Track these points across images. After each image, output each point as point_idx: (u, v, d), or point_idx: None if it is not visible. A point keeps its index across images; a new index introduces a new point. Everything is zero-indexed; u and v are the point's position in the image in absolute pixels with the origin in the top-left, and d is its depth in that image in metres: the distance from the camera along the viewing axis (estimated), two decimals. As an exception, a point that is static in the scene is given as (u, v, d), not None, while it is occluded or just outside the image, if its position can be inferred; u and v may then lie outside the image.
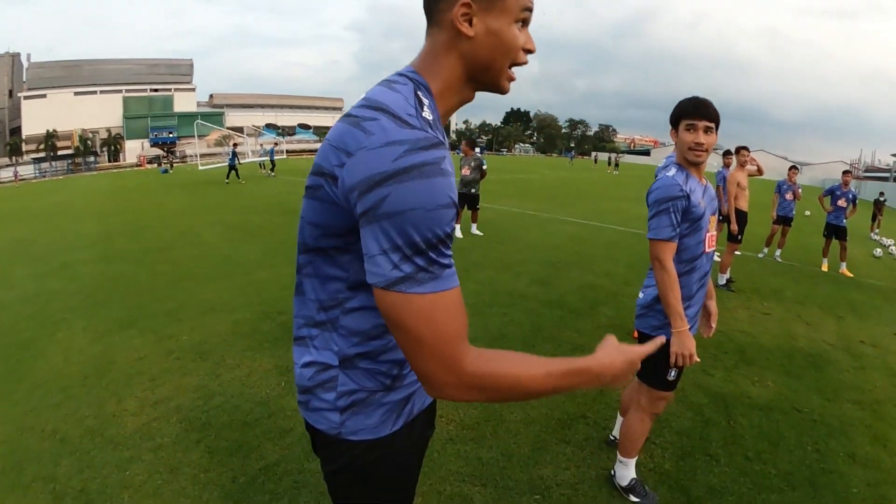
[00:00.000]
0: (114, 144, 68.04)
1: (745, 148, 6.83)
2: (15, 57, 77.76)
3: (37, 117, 65.88)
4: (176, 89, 76.49)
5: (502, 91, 1.02)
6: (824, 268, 8.54)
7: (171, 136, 69.63)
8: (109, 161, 66.03)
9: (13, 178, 42.15)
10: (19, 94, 70.55)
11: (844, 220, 8.46)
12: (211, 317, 4.93)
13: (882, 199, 15.29)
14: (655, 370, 2.26)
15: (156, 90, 75.12)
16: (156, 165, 50.15)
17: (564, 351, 4.27)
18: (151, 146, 67.58)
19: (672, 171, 2.16)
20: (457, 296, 0.85)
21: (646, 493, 2.51)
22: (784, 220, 8.72)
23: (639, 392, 2.43)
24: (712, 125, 2.09)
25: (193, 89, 78.67)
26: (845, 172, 8.94)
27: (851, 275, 8.21)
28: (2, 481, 2.60)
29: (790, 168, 8.92)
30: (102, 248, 8.72)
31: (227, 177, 22.07)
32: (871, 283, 7.84)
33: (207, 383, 3.60)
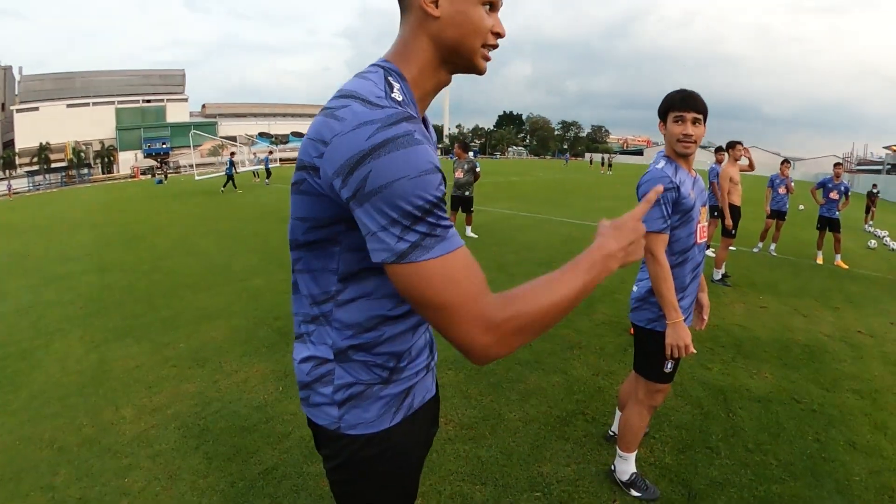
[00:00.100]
0: (107, 156, 67.91)
1: (739, 142, 6.85)
2: (7, 70, 77.58)
3: (30, 130, 65.77)
4: (168, 100, 76.44)
5: (478, 70, 1.03)
6: (819, 260, 8.56)
7: (164, 146, 69.55)
8: (103, 173, 65.89)
9: (7, 192, 41.98)
10: (12, 108, 70.40)
11: (837, 213, 8.49)
12: (207, 324, 4.93)
13: (875, 191, 15.37)
14: (652, 362, 2.27)
15: (148, 101, 75.06)
16: (150, 176, 50.08)
17: (562, 349, 4.28)
18: (145, 157, 67.48)
19: (661, 164, 2.17)
20: (467, 252, 0.85)
21: (646, 488, 2.50)
22: (778, 215, 8.74)
23: (636, 385, 2.43)
24: (700, 117, 2.11)
25: (186, 100, 78.62)
26: (836, 165, 8.98)
27: (846, 266, 8.23)
28: (0, 491, 2.59)
29: (782, 162, 8.95)
30: (98, 258, 8.71)
31: (224, 186, 22.10)
32: (867, 275, 7.86)
33: (205, 390, 3.60)
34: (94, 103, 71.54)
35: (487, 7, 0.98)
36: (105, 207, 19.35)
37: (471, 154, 7.44)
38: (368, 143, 0.80)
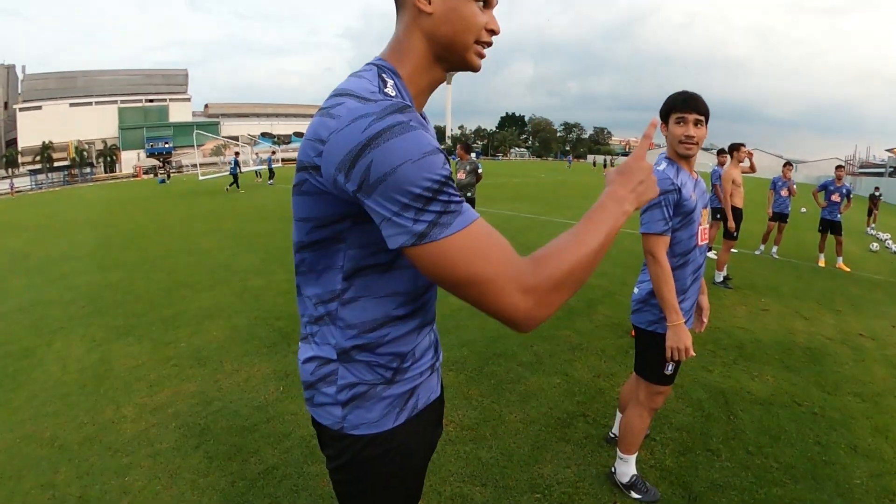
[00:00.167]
0: (110, 155, 68.05)
1: (742, 144, 6.84)
2: (10, 69, 77.80)
3: (32, 129, 65.93)
4: (171, 99, 76.55)
5: (472, 67, 1.03)
6: (821, 263, 8.55)
7: (166, 146, 69.65)
8: (106, 172, 66.02)
9: (9, 191, 42.07)
10: (14, 107, 70.60)
11: (839, 215, 8.48)
12: (208, 323, 4.94)
13: (877, 193, 15.37)
14: (652, 364, 2.26)
15: (151, 101, 75.18)
16: (152, 176, 50.16)
17: (563, 350, 4.27)
18: (147, 157, 67.60)
19: (662, 166, 2.17)
20: (485, 223, 0.85)
21: (647, 490, 2.50)
22: (780, 217, 8.72)
23: (637, 387, 2.43)
24: (702, 118, 2.11)
25: (189, 99, 78.74)
26: (838, 167, 8.97)
27: (848, 269, 8.22)
28: (1, 489, 2.60)
29: (784, 164, 8.94)
30: (99, 257, 8.73)
31: (230, 185, 22.31)
32: (869, 277, 7.85)
33: (206, 389, 3.60)
34: (97, 102, 71.70)
35: (481, 3, 0.98)
36: (107, 206, 19.39)
37: (473, 155, 7.44)
38: (365, 134, 0.80)
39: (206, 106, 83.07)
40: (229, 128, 72.25)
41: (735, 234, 6.72)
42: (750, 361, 4.19)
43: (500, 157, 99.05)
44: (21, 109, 69.20)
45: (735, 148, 6.82)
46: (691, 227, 2.18)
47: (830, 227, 8.49)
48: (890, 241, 11.24)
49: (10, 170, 62.33)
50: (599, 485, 2.60)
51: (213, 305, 5.52)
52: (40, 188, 51.42)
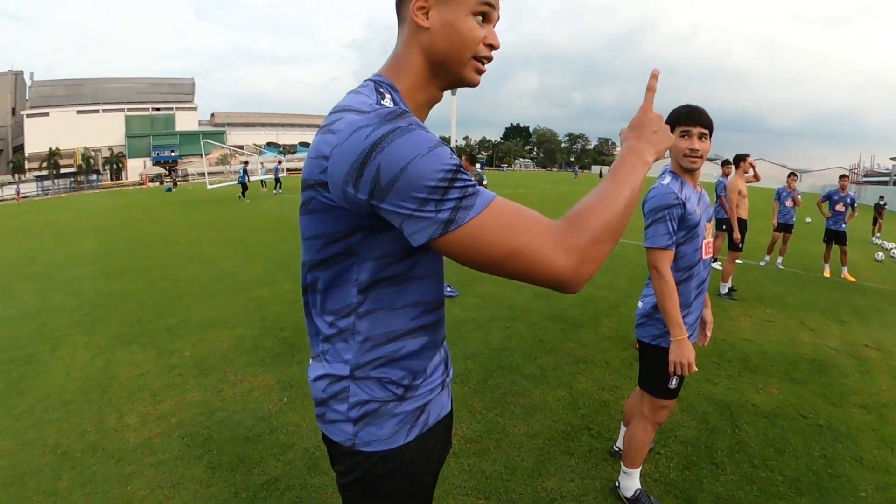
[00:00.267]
0: (116, 163, 68.46)
1: (747, 155, 6.84)
2: (18, 75, 78.52)
3: (39, 135, 66.44)
4: (178, 108, 77.11)
5: (469, 83, 1.03)
6: (826, 273, 8.52)
7: (173, 154, 70.04)
8: (112, 179, 66.39)
9: (15, 196, 42.34)
10: (22, 113, 71.22)
11: (843, 225, 8.46)
12: (213, 333, 4.95)
13: (882, 202, 15.31)
14: (656, 379, 2.26)
15: (158, 109, 75.72)
16: (158, 184, 50.40)
17: (567, 363, 4.25)
18: (153, 164, 67.98)
19: (667, 180, 2.17)
20: (504, 199, 0.85)
21: (651, 504, 2.48)
22: (785, 228, 8.70)
23: (641, 401, 2.42)
24: (706, 131, 2.11)
25: (195, 108, 79.29)
26: (842, 177, 8.97)
27: (853, 279, 8.19)
28: (3, 496, 2.60)
29: (789, 175, 8.93)
30: (104, 264, 8.77)
31: (241, 194, 22.51)
32: (874, 287, 7.81)
33: (209, 399, 3.60)
34: (104, 110, 72.26)
35: (480, 18, 0.98)
36: (113, 214, 19.50)
37: (478, 166, 7.45)
38: (367, 141, 0.81)
39: (213, 115, 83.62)
40: (235, 137, 72.63)
41: (740, 245, 6.71)
42: (755, 374, 4.17)
43: (504, 168, 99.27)
44: (28, 116, 69.79)
45: (741, 159, 6.82)
46: (695, 242, 2.18)
47: (835, 237, 8.47)
48: (895, 251, 11.19)
49: (16, 175, 62.81)
50: (603, 498, 2.58)
51: (218, 315, 5.53)
52: (46, 194, 51.74)
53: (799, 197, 8.64)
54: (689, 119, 2.09)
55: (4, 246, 12.30)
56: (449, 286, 6.21)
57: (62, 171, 64.50)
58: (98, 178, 65.96)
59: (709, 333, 2.48)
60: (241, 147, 46.35)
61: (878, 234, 14.38)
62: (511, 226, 0.81)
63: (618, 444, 2.95)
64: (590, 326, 5.20)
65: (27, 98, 73.45)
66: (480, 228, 0.81)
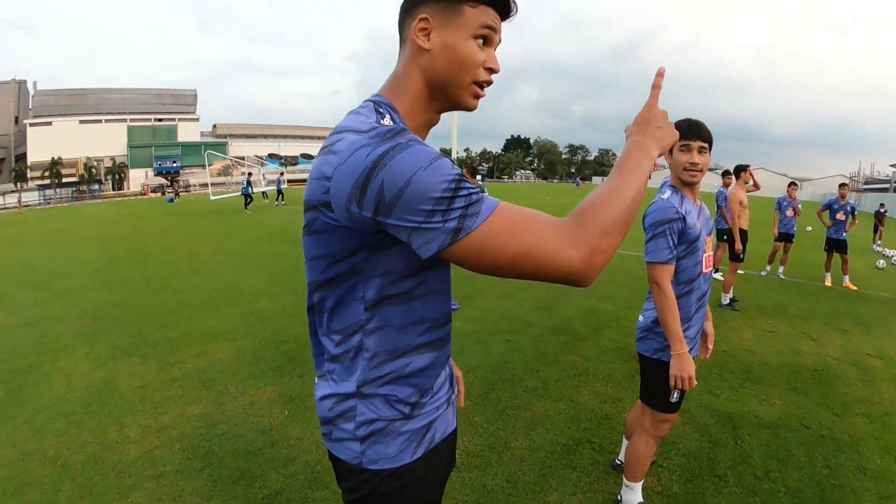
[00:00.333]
0: (118, 173, 68.60)
1: (748, 166, 6.86)
2: (21, 84, 78.96)
3: (42, 144, 66.66)
4: (180, 119, 77.39)
5: (467, 107, 1.04)
6: (827, 282, 8.51)
7: (174, 165, 70.19)
8: (113, 189, 66.50)
9: (17, 205, 42.45)
10: (25, 122, 71.53)
11: (844, 234, 8.47)
12: (214, 345, 4.93)
13: (883, 210, 15.30)
14: (658, 392, 2.25)
15: (160, 120, 76.02)
16: (160, 194, 50.47)
17: (569, 375, 4.23)
18: (155, 175, 68.11)
19: (667, 194, 2.18)
20: (508, 203, 0.87)
21: (653, 517, 2.47)
22: (785, 237, 8.70)
23: (642, 415, 2.41)
24: (706, 145, 2.13)
25: (197, 119, 79.55)
26: (841, 185, 8.97)
27: (855, 288, 8.19)
28: (3, 508, 2.59)
29: (789, 184, 8.94)
30: (106, 275, 8.78)
31: (249, 205, 22.57)
32: (876, 296, 7.80)
33: (210, 411, 3.59)
34: (107, 120, 72.56)
35: (481, 41, 0.99)
36: (115, 224, 19.52)
37: (479, 178, 7.50)
38: (369, 159, 0.82)
39: (215, 126, 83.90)
40: (237, 148, 72.79)
41: (741, 255, 6.71)
42: (757, 385, 4.16)
43: (505, 180, 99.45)
44: (31, 125, 70.06)
45: (741, 169, 6.84)
46: (696, 255, 2.19)
47: (836, 245, 8.47)
48: (896, 258, 11.19)
49: (18, 184, 62.96)
50: (606, 512, 2.57)
51: (219, 327, 5.52)
52: (48, 203, 51.87)
53: (799, 206, 8.65)
54: (689, 133, 2.11)
55: (6, 255, 12.31)
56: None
57: (64, 180, 64.64)
58: (100, 187, 66.07)
59: (710, 346, 2.48)
60: (243, 158, 46.50)
61: (878, 242, 14.37)
62: (518, 228, 0.83)
63: (620, 457, 2.94)
64: (591, 339, 5.18)
65: (30, 107, 73.79)
66: (488, 234, 0.82)
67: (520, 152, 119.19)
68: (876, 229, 14.89)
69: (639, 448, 2.39)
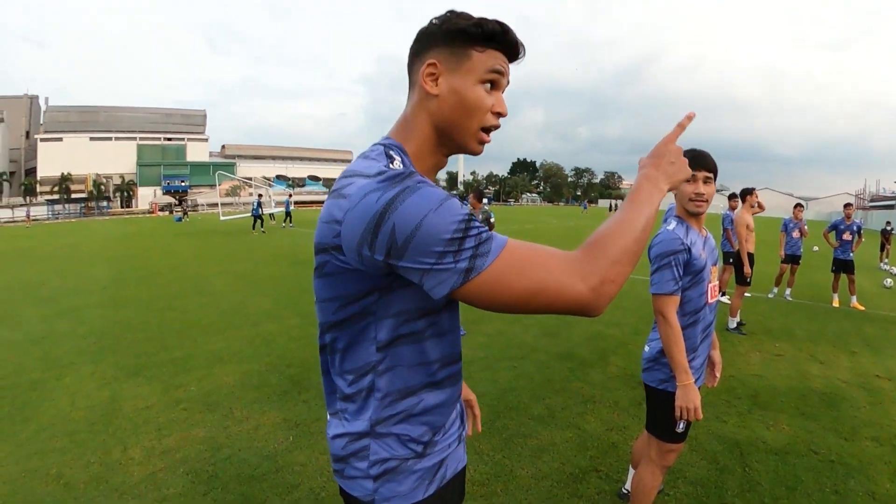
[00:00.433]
0: (127, 190, 69.23)
1: (754, 189, 6.87)
2: (33, 99, 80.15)
3: (52, 160, 67.39)
4: (189, 139, 78.27)
5: (473, 152, 1.06)
6: (835, 303, 8.47)
7: (183, 184, 70.84)
8: (122, 207, 67.06)
9: (25, 219, 42.84)
10: (36, 137, 72.45)
11: (851, 254, 8.44)
12: (219, 367, 4.92)
13: (889, 228, 15.22)
14: (663, 423, 2.24)
15: (169, 139, 76.89)
16: (168, 213, 50.80)
17: (575, 403, 4.19)
18: (164, 194, 68.70)
19: (672, 225, 2.19)
20: (517, 240, 0.88)
21: (661, 549, 2.44)
22: (792, 259, 8.67)
23: (649, 444, 2.39)
24: (711, 175, 2.14)
25: (206, 139, 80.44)
26: (846, 205, 8.98)
27: (863, 308, 8.15)
28: (4, 525, 2.59)
29: (795, 206, 8.92)
30: (113, 292, 8.84)
31: (258, 226, 22.63)
32: (884, 315, 7.76)
33: (215, 435, 3.58)
34: (117, 138, 73.42)
35: (488, 86, 1.01)
36: (122, 242, 19.66)
37: (485, 201, 7.54)
38: (379, 203, 0.83)
39: (223, 147, 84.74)
40: (245, 169, 73.38)
41: (748, 279, 6.68)
42: (765, 410, 4.12)
43: (511, 203, 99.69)
44: (42, 140, 70.97)
45: (748, 193, 6.85)
46: (701, 286, 2.19)
47: (843, 266, 8.44)
48: (904, 276, 11.09)
49: (27, 198, 63.58)
50: (612, 543, 2.54)
51: (225, 349, 5.51)
52: (56, 218, 52.25)
53: (806, 228, 8.63)
54: (694, 163, 2.12)
55: (13, 269, 12.43)
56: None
57: (73, 196, 65.21)
58: (108, 204, 66.60)
59: (718, 374, 2.47)
60: (251, 179, 46.94)
61: (885, 260, 14.30)
62: (528, 264, 0.84)
63: (626, 486, 2.90)
64: (598, 365, 5.14)
65: (41, 122, 74.75)
66: (499, 271, 0.83)
67: (526, 175, 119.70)
68: (882, 247, 14.83)
69: (645, 478, 2.37)
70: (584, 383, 4.64)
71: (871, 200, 58.60)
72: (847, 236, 8.47)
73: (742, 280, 6.64)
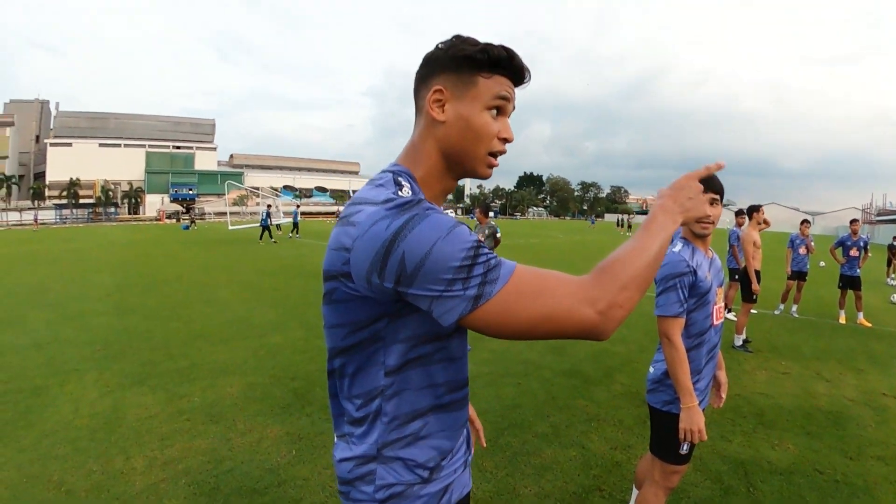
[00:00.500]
0: (134, 197, 69.76)
1: (760, 206, 6.86)
2: (44, 104, 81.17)
3: (61, 164, 68.15)
4: (198, 147, 79.00)
5: (481, 177, 1.07)
6: (842, 320, 8.42)
7: (190, 192, 71.35)
8: (129, 213, 67.57)
9: (33, 222, 43.15)
10: (46, 141, 73.30)
11: (858, 270, 8.41)
12: (223, 379, 4.91)
13: (896, 243, 15.12)
14: (667, 445, 2.23)
15: (178, 147, 77.62)
16: (174, 221, 51.05)
17: (579, 421, 4.15)
18: (171, 201, 69.16)
19: (678, 247, 2.19)
20: (525, 266, 0.88)
21: (664, 571, 2.41)
22: (799, 275, 8.63)
23: (652, 465, 2.38)
24: (717, 197, 2.14)
25: (215, 149, 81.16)
26: (853, 221, 8.95)
27: (870, 324, 8.10)
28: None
29: (802, 222, 8.90)
30: (118, 299, 8.89)
31: (265, 237, 22.73)
32: (891, 332, 7.71)
33: (218, 447, 3.57)
34: (126, 145, 74.18)
35: (494, 112, 1.02)
36: (129, 248, 19.76)
37: (491, 214, 7.55)
38: (389, 231, 0.84)
39: (232, 156, 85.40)
40: (252, 179, 73.95)
41: (755, 296, 6.65)
42: (770, 429, 4.08)
43: (518, 217, 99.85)
44: (52, 144, 71.79)
45: (754, 210, 6.83)
46: (706, 308, 2.18)
47: (850, 282, 8.40)
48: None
49: (36, 202, 64.13)
50: (615, 564, 2.52)
51: (229, 360, 5.50)
52: (64, 223, 52.70)
53: (812, 244, 8.60)
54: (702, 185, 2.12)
55: (20, 273, 12.52)
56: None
57: (81, 201, 65.80)
58: (116, 210, 67.13)
59: (723, 395, 2.45)
60: (258, 189, 47.30)
61: (892, 276, 14.22)
62: (537, 290, 0.84)
63: (630, 506, 2.88)
64: (603, 383, 5.09)
65: (51, 127, 75.66)
66: (508, 298, 0.83)
67: (532, 189, 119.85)
68: (889, 262, 14.73)
69: (648, 499, 2.35)
70: (589, 401, 4.60)
71: (878, 214, 58.20)
72: (854, 252, 8.45)
73: (748, 297, 6.61)
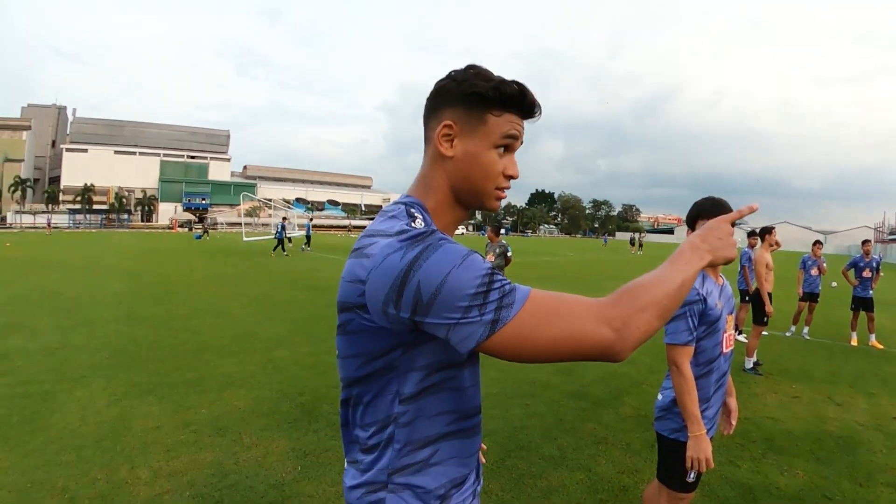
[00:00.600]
0: (148, 205, 70.50)
1: (773, 228, 6.83)
2: (61, 110, 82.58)
3: (76, 170, 69.12)
4: (212, 158, 79.92)
5: (490, 209, 1.09)
6: (854, 342, 8.33)
7: (204, 202, 72.00)
8: (142, 220, 68.24)
9: (46, 225, 43.64)
10: (62, 146, 74.43)
11: (871, 291, 8.33)
12: (230, 392, 4.90)
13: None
14: (674, 472, 2.21)
15: (192, 157, 78.55)
16: (187, 230, 51.43)
17: (587, 444, 4.10)
18: (184, 210, 69.79)
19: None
20: (539, 290, 0.88)
21: None
22: (810, 297, 8.55)
23: (659, 492, 2.35)
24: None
25: (229, 159, 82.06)
26: (865, 242, 8.86)
27: (882, 346, 8.01)
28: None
29: (814, 243, 8.82)
30: (129, 308, 8.95)
31: (282, 249, 22.89)
32: (902, 354, 7.59)
33: (223, 460, 3.56)
34: (141, 153, 75.18)
35: (501, 149, 1.03)
36: (141, 256, 19.93)
37: (502, 232, 7.55)
38: (404, 261, 0.85)
39: (245, 167, 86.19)
40: (265, 190, 74.61)
41: (766, 319, 6.59)
42: (780, 455, 4.02)
43: (529, 234, 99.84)
44: (68, 150, 72.89)
45: (767, 231, 6.79)
46: (716, 336, 2.17)
47: (863, 304, 8.32)
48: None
49: (50, 206, 64.98)
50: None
51: (237, 373, 5.49)
52: (77, 227, 53.28)
53: (824, 265, 8.53)
54: (713, 211, 2.13)
55: (32, 277, 12.67)
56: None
57: (94, 206, 66.57)
58: (129, 217, 67.80)
59: (733, 422, 2.44)
60: (270, 200, 47.70)
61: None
62: (553, 313, 0.85)
63: (636, 531, 2.85)
64: (611, 405, 5.02)
65: (68, 133, 76.80)
66: (525, 322, 0.84)
67: (544, 207, 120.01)
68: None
69: (655, 526, 2.33)
70: (597, 424, 4.54)
71: (891, 233, 57.65)
72: (867, 273, 8.38)
73: (760, 320, 6.55)
